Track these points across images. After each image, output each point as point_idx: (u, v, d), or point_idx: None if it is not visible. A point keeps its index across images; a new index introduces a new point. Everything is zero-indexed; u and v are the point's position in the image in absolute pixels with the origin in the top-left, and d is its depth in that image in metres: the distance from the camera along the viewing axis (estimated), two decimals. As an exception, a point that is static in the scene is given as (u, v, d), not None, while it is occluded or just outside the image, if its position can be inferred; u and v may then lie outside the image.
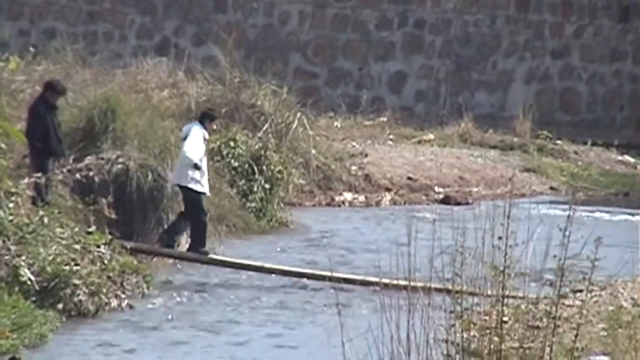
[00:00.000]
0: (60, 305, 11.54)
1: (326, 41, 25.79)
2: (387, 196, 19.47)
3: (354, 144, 21.16)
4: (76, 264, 11.86)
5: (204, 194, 13.75)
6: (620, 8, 25.43)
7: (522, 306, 8.85)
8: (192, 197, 13.66)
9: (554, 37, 25.56)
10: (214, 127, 14.48)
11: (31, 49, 20.97)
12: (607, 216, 18.52)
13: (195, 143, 13.69)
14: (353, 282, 13.09)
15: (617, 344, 9.24)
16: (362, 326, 8.03)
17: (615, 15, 25.41)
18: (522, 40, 25.62)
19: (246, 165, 16.81)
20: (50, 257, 11.74)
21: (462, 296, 8.58)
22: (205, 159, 13.83)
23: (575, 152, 23.12)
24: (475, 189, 20.21)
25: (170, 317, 12.09)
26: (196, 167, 13.57)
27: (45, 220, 12.23)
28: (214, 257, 13.91)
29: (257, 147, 17.06)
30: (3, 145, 11.70)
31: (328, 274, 12.81)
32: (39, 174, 13.30)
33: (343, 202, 19.03)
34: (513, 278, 8.79)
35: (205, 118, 14.07)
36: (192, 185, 13.63)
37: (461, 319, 8.35)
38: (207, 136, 13.99)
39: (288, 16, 25.79)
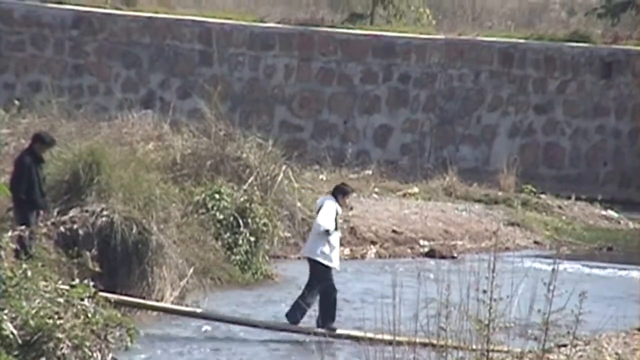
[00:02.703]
0: (43, 359, 11.45)
1: (311, 94, 25.91)
2: (373, 249, 19.46)
3: (338, 197, 21.17)
4: (59, 318, 11.79)
5: (333, 268, 13.46)
6: (602, 64, 25.65)
7: (507, 360, 8.83)
8: (320, 271, 13.33)
9: (537, 92, 25.74)
10: (347, 201, 14.21)
11: (16, 102, 21.02)
12: (591, 271, 18.54)
13: (328, 214, 13.44)
14: (338, 336, 13.05)
15: (602, 398, 9.22)
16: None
17: (598, 71, 25.62)
18: (506, 94, 25.79)
19: (231, 218, 16.80)
20: (34, 311, 11.67)
21: (447, 350, 8.56)
22: (336, 234, 13.53)
23: (559, 207, 23.18)
24: (460, 243, 20.22)
25: (153, 371, 12.00)
26: (327, 233, 13.28)
27: (29, 273, 12.17)
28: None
29: (242, 199, 17.06)
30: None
31: (312, 329, 12.77)
32: (22, 227, 13.26)
33: (328, 256, 18.99)
34: (498, 332, 8.78)
35: (338, 193, 13.80)
36: (321, 259, 13.41)
37: (446, 373, 8.33)
38: (340, 211, 13.70)
39: (274, 70, 25.92)
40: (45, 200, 13.91)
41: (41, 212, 13.90)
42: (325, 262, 13.42)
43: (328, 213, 13.51)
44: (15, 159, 14.15)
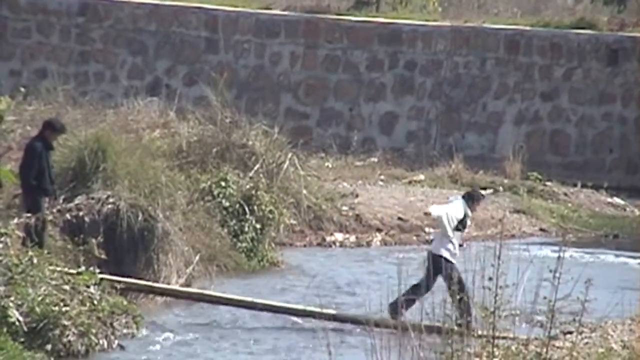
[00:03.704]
0: (49, 346, 11.49)
1: (317, 82, 25.88)
2: (378, 236, 19.47)
3: (344, 184, 21.18)
4: (65, 305, 11.82)
5: (454, 263, 13.24)
6: (609, 51, 25.59)
7: (513, 347, 8.84)
8: (445, 267, 13.09)
9: (543, 79, 25.69)
10: (477, 207, 14.05)
11: (22, 89, 21.02)
12: (596, 258, 18.53)
13: (452, 210, 13.38)
14: (344, 319, 13.06)
15: (607, 385, 9.23)
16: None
17: (604, 58, 25.56)
18: (512, 82, 25.74)
19: (237, 205, 16.81)
20: (40, 298, 11.70)
21: (452, 337, 8.57)
22: (458, 235, 13.36)
23: (565, 194, 23.16)
24: (465, 230, 20.20)
25: (159, 358, 12.03)
26: (428, 215, 13.01)
27: (35, 260, 12.20)
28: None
29: (248, 187, 17.07)
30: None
31: (319, 310, 12.76)
32: (29, 214, 13.27)
33: (334, 243, 19.01)
34: (503, 319, 8.79)
35: (469, 198, 13.69)
36: (445, 255, 13.29)
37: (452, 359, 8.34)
38: (469, 213, 13.57)
39: (279, 57, 25.89)
40: (54, 188, 13.94)
41: (49, 200, 13.91)
42: (451, 259, 13.27)
43: (453, 209, 13.42)
44: (26, 146, 14.17)
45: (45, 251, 12.96)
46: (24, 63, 25.91)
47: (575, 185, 23.49)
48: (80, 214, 14.41)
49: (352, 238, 19.14)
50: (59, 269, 12.53)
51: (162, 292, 14.01)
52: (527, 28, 25.98)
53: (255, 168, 17.74)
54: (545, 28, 25.97)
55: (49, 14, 25.96)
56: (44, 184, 13.66)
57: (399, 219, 19.99)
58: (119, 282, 13.33)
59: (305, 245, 18.62)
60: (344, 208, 19.66)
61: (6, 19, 25.96)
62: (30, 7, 25.98)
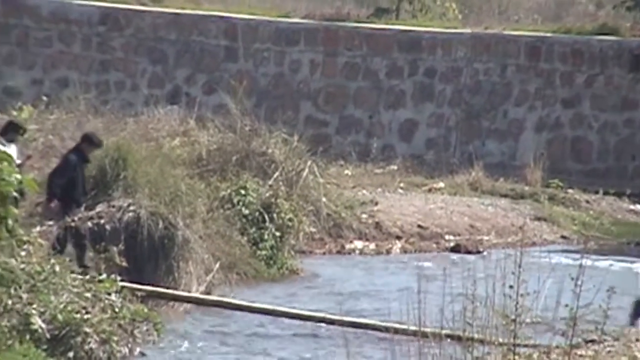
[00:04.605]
0: (71, 354, 11.51)
1: (337, 89, 25.89)
2: (398, 244, 19.44)
3: (364, 192, 21.17)
4: (87, 312, 11.85)
5: None
6: (631, 57, 25.49)
7: (534, 356, 8.80)
8: None
9: (564, 86, 25.61)
10: None
11: (44, 98, 21.12)
12: (619, 265, 18.45)
13: None
14: (364, 327, 13.04)
15: (629, 394, 9.18)
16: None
17: (626, 64, 25.46)
18: (533, 89, 25.68)
19: (257, 213, 16.82)
20: (62, 305, 11.73)
21: (473, 345, 8.54)
22: None
23: (587, 201, 23.07)
24: (486, 238, 20.16)
25: (180, 365, 12.04)
26: None
27: (57, 268, 12.24)
28: None
29: (267, 195, 17.08)
30: (15, 194, 11.74)
31: (339, 317, 12.75)
32: (51, 222, 13.35)
33: (353, 250, 19.00)
34: (524, 327, 8.75)
35: None
36: None
37: (472, 368, 8.31)
38: None
39: (299, 65, 25.92)
40: (86, 199, 14.10)
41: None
42: None
43: None
44: (62, 156, 14.34)
45: (67, 259, 13.01)
46: (46, 72, 26.03)
47: (597, 192, 23.39)
48: (101, 221, 14.45)
49: (372, 246, 19.12)
50: (80, 276, 12.57)
51: (185, 300, 14.03)
52: (548, 34, 25.91)
53: (275, 176, 17.75)
54: (566, 34, 25.89)
55: (70, 24, 26.08)
56: (76, 195, 13.83)
57: (419, 226, 19.96)
58: (140, 290, 13.36)
59: (324, 253, 18.61)
60: (364, 216, 19.65)
61: (28, 29, 26.10)
62: (51, 16, 26.11)
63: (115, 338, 11.90)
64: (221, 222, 16.19)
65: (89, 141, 14.19)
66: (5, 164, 11.03)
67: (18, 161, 13.66)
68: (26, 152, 14.18)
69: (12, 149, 13.78)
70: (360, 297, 15.65)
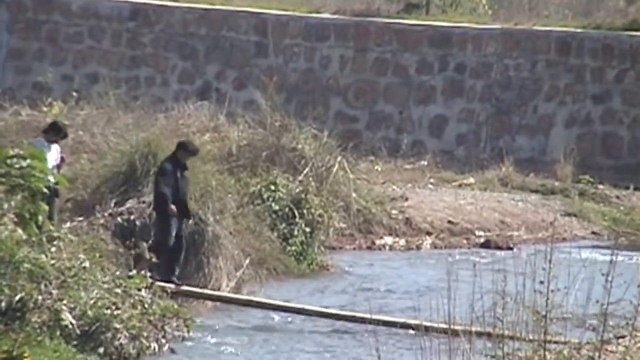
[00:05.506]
0: (101, 350, 11.56)
1: (367, 85, 25.86)
2: (428, 240, 19.41)
3: (394, 187, 21.14)
4: (117, 308, 11.89)
5: None
6: (662, 52, 25.33)
7: (565, 352, 8.76)
8: None
9: (595, 81, 25.48)
10: None
11: (74, 93, 21.21)
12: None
13: None
14: (393, 325, 13.02)
15: (661, 390, 9.13)
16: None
17: (657, 59, 25.30)
18: (563, 84, 25.56)
19: (287, 209, 16.83)
20: (92, 301, 11.78)
21: (503, 341, 8.51)
22: None
23: (617, 197, 22.94)
24: (516, 233, 20.09)
25: (210, 361, 12.06)
26: None
27: (87, 264, 12.29)
28: None
29: (297, 190, 17.08)
30: (45, 190, 11.79)
31: (368, 316, 12.75)
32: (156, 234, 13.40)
33: (383, 246, 18.98)
34: (555, 323, 8.72)
35: None
36: None
37: (502, 364, 8.28)
38: None
39: (329, 60, 25.90)
40: (186, 206, 13.96)
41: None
42: None
43: None
44: (158, 167, 14.34)
45: (97, 254, 13.06)
46: (76, 68, 26.14)
47: (627, 188, 23.26)
48: (131, 217, 14.50)
49: (402, 241, 19.09)
50: (110, 272, 12.62)
51: (216, 299, 14.05)
52: (579, 30, 25.77)
53: (305, 172, 17.75)
54: (597, 30, 25.74)
55: (100, 19, 26.18)
56: (171, 203, 13.83)
57: (449, 222, 19.91)
58: (169, 287, 13.40)
59: (354, 249, 18.60)
60: (394, 211, 19.62)
61: (58, 24, 26.22)
62: (82, 12, 26.21)
63: (145, 334, 11.93)
64: (251, 217, 16.21)
65: (184, 148, 14.24)
66: (36, 161, 11.06)
67: (56, 162, 13.72)
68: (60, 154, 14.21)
69: (52, 150, 13.83)
70: (390, 293, 15.63)
